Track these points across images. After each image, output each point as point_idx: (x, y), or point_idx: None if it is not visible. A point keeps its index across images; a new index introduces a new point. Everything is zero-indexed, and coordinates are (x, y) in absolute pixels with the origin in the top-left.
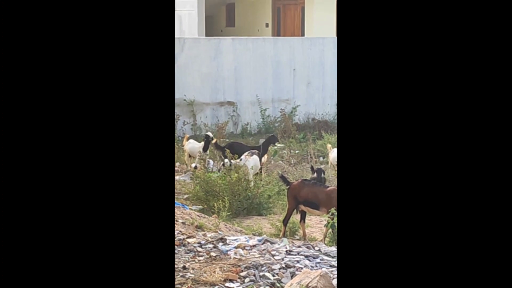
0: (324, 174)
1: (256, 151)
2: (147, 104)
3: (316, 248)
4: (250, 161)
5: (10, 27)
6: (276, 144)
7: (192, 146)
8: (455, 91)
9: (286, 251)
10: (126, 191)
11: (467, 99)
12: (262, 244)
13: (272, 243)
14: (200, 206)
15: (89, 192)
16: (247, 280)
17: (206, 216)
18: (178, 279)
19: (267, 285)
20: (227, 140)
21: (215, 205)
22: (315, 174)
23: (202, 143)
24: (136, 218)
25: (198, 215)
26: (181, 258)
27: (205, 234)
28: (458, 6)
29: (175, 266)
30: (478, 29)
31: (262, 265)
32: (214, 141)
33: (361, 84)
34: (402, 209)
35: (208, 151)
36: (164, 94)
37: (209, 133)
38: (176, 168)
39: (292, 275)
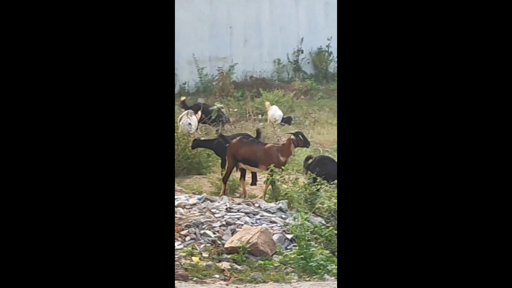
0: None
1: (193, 111)
2: (146, 102)
3: (256, 205)
4: (193, 119)
5: (8, 30)
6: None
7: None
8: (450, 124)
9: (226, 208)
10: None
11: (467, 126)
12: (202, 202)
13: (212, 201)
14: None
15: (87, 216)
16: (188, 238)
17: None
18: None
19: (208, 243)
20: None
21: None
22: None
23: None
24: (135, 219)
25: None
26: None
27: None
28: (454, 38)
29: None
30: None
31: (202, 223)
32: (182, 99)
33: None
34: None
35: None
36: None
37: None
38: None
39: (233, 232)
